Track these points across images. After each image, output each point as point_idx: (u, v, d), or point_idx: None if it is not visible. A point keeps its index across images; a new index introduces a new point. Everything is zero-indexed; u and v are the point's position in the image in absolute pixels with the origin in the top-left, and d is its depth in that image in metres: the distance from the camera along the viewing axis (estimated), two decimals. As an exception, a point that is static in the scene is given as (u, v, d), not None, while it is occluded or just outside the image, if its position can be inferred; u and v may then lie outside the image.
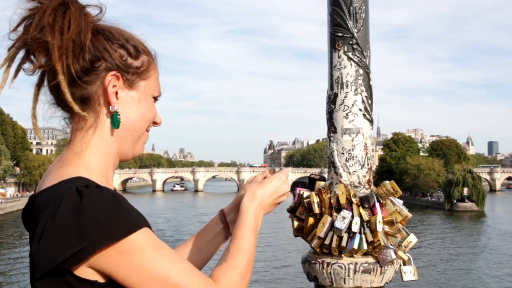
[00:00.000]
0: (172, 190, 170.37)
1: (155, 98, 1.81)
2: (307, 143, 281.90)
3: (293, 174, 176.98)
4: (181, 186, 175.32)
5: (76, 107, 1.63)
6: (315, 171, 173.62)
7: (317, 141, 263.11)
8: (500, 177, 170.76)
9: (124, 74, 1.69)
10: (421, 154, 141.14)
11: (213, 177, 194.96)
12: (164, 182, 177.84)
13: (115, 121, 1.69)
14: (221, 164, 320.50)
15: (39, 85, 1.70)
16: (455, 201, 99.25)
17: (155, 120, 1.83)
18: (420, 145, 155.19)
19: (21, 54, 1.64)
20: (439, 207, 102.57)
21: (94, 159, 1.67)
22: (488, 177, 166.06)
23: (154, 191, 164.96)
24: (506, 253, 50.12)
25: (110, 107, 1.67)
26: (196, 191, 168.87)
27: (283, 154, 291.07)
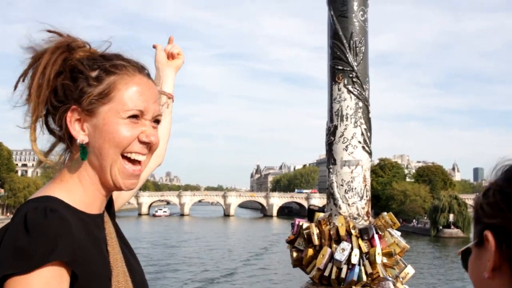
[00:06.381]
0: (154, 215, 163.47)
1: (136, 116, 1.75)
2: (294, 168, 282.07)
3: (280, 199, 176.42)
4: (164, 212, 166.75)
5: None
6: (301, 196, 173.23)
7: (304, 166, 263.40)
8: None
9: (82, 105, 1.73)
10: (407, 180, 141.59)
11: (199, 201, 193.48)
12: (150, 205, 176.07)
13: (80, 153, 1.73)
14: (208, 188, 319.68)
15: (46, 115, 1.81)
16: (441, 227, 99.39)
17: (142, 139, 1.76)
18: (406, 171, 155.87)
19: None
20: (425, 233, 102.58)
21: (76, 187, 1.73)
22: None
23: (139, 214, 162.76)
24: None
25: (78, 141, 1.73)
26: (182, 215, 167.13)
27: (270, 178, 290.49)
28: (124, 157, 1.75)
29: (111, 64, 1.78)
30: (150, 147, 1.80)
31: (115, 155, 1.73)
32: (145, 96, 1.77)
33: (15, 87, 1.80)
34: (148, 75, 1.87)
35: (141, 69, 1.84)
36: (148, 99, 1.78)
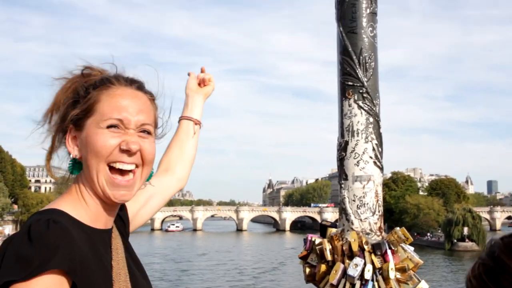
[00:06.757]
0: (166, 230, 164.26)
1: (116, 126, 1.78)
2: (306, 182, 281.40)
3: (292, 213, 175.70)
4: (177, 227, 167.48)
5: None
6: (314, 210, 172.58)
7: (316, 180, 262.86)
8: (500, 216, 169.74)
9: (74, 122, 1.82)
10: (421, 193, 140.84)
11: (212, 216, 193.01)
12: (163, 221, 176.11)
13: (69, 168, 1.85)
14: (220, 203, 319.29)
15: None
16: (455, 241, 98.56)
17: (121, 147, 1.78)
18: (419, 184, 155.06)
19: None
20: (439, 246, 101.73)
21: (79, 200, 1.79)
22: (488, 217, 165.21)
23: (152, 229, 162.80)
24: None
25: (71, 155, 1.83)
26: (195, 230, 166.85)
27: (282, 193, 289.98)
28: (112, 168, 1.78)
29: (99, 80, 1.85)
30: (142, 157, 1.82)
31: (98, 165, 1.76)
32: (126, 106, 1.80)
33: (44, 122, 1.90)
34: (138, 88, 1.89)
35: (128, 81, 1.88)
36: (130, 108, 1.80)
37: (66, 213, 1.69)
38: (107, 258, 1.77)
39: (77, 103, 1.82)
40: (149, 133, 1.85)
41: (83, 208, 1.77)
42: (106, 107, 1.78)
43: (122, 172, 1.79)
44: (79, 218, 1.73)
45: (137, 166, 1.82)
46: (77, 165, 1.83)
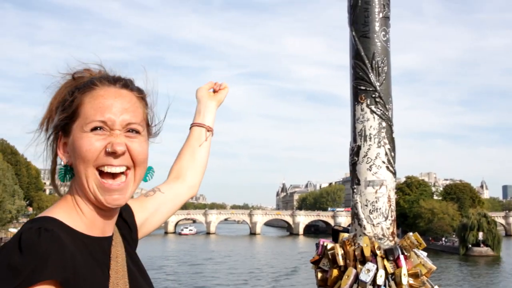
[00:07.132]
0: (180, 234, 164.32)
1: (100, 128, 1.72)
2: (320, 186, 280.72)
3: (306, 217, 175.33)
4: (190, 230, 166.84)
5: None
6: (328, 214, 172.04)
7: (330, 184, 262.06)
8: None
9: (63, 128, 1.79)
10: (435, 198, 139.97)
11: (226, 219, 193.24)
12: (176, 224, 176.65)
13: (59, 174, 1.83)
14: (234, 207, 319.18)
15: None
16: (470, 246, 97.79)
17: (107, 150, 1.72)
18: (433, 189, 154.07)
19: None
20: (454, 251, 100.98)
21: (74, 207, 1.75)
22: (503, 222, 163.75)
23: (166, 233, 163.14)
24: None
25: (62, 162, 1.81)
26: (208, 233, 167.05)
27: (296, 197, 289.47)
28: (102, 172, 1.73)
29: (84, 82, 1.80)
30: (132, 158, 1.76)
31: (86, 170, 1.71)
32: (109, 106, 1.74)
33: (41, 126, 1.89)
34: (124, 86, 1.82)
35: (112, 81, 1.81)
36: (113, 108, 1.74)
37: (59, 221, 1.65)
38: (104, 268, 1.72)
39: (64, 108, 1.77)
40: (137, 132, 1.78)
41: (78, 216, 1.73)
42: (89, 109, 1.72)
43: (114, 176, 1.74)
44: (74, 226, 1.68)
45: (128, 168, 1.76)
46: (69, 172, 1.80)
